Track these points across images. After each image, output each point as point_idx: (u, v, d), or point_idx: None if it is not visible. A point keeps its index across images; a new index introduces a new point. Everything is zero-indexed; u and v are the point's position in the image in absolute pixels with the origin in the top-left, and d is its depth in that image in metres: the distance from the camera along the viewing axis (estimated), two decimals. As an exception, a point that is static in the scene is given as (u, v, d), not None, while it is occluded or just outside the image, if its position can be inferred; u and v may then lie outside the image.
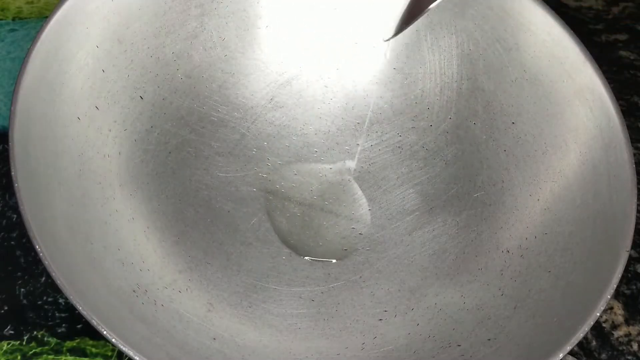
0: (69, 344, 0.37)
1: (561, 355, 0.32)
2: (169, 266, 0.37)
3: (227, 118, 0.43)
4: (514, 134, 0.41)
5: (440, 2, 0.40)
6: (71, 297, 0.30)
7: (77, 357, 0.37)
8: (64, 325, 0.37)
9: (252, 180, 0.42)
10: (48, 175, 0.34)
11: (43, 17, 0.47)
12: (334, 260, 0.40)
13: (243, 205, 0.41)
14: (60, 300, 0.38)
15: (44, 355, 0.37)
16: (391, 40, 0.44)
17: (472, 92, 0.43)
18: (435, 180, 0.43)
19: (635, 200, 0.36)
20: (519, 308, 0.36)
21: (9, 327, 0.37)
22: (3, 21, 0.47)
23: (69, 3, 0.37)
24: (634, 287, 0.43)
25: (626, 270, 0.41)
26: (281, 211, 0.42)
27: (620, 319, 0.41)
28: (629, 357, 0.40)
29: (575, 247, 0.36)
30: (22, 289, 0.38)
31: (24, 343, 0.37)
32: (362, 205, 0.43)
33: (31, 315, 0.38)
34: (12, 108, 0.33)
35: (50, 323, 0.37)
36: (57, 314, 0.38)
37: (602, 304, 0.33)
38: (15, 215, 0.40)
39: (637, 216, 0.35)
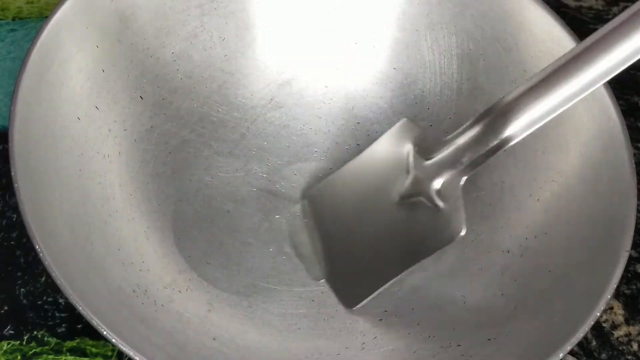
0: (69, 344, 0.37)
1: (561, 355, 0.32)
2: (169, 266, 0.37)
3: (227, 118, 0.43)
4: (514, 134, 0.41)
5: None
6: (71, 297, 0.30)
7: (77, 357, 0.37)
8: (64, 325, 0.37)
9: (252, 180, 0.42)
10: (48, 175, 0.34)
11: (43, 17, 0.47)
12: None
13: (243, 205, 0.41)
14: (60, 300, 0.38)
15: (44, 355, 0.36)
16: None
17: (472, 92, 0.43)
18: (435, 180, 0.43)
19: (635, 200, 0.35)
20: (519, 308, 0.36)
21: (9, 327, 0.37)
22: (3, 21, 0.47)
23: (69, 3, 0.37)
24: (634, 287, 0.43)
25: (626, 270, 0.41)
26: (281, 211, 0.42)
27: (620, 319, 0.41)
28: (629, 357, 0.40)
29: (575, 247, 0.36)
30: (22, 289, 0.38)
31: (24, 343, 0.37)
32: (362, 205, 0.42)
33: (31, 315, 0.38)
34: (12, 108, 0.33)
35: (50, 323, 0.37)
36: (57, 314, 0.38)
37: (602, 304, 0.33)
38: (15, 215, 0.40)
39: (637, 216, 0.35)
